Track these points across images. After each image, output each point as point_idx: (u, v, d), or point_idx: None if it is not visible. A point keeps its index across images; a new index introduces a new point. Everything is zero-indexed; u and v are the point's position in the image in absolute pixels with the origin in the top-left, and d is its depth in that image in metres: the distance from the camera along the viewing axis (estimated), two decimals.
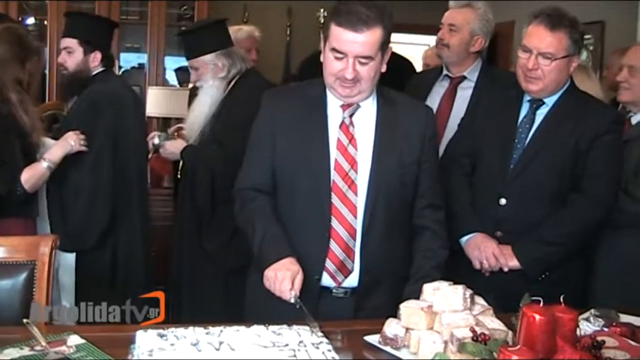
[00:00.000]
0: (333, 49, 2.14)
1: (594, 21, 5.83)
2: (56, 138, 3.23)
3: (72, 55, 3.41)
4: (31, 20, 6.41)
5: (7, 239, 2.25)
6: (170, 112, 4.07)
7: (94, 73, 3.47)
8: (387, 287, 2.23)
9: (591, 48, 6.04)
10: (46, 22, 6.19)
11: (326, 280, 2.24)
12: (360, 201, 2.22)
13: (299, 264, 2.13)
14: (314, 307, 2.19)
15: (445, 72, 3.38)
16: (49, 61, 5.98)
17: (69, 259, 3.38)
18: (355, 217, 2.22)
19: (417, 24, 7.10)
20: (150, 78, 6.40)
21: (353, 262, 2.24)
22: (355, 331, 2.03)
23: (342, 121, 2.25)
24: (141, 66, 6.66)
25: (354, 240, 2.23)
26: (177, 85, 6.58)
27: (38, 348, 1.82)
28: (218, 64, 3.37)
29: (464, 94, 3.27)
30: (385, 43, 2.17)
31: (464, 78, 3.32)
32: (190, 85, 3.56)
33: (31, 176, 2.99)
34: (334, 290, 2.26)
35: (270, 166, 2.28)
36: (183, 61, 6.87)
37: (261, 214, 2.26)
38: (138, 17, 6.52)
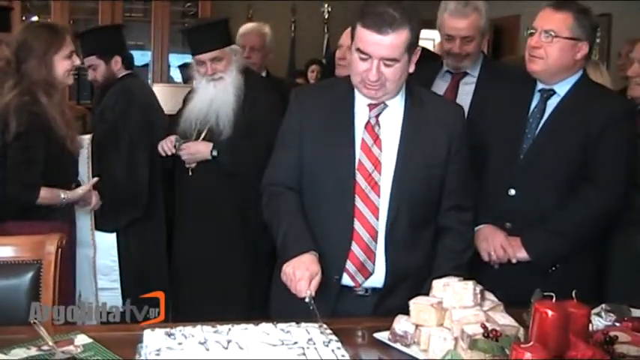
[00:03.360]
0: (359, 50, 2.12)
1: (601, 14, 5.80)
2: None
3: (97, 69, 3.70)
4: (34, 19, 6.41)
5: (12, 238, 2.24)
6: (175, 108, 4.05)
7: (120, 75, 3.73)
8: (409, 287, 2.19)
9: (598, 41, 6.01)
10: (49, 21, 6.18)
11: (345, 281, 2.22)
12: (383, 202, 2.19)
13: (320, 261, 2.11)
14: (333, 305, 2.19)
15: (446, 68, 3.31)
16: None
17: (108, 241, 3.62)
18: (377, 218, 2.19)
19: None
20: (154, 75, 6.39)
21: (373, 263, 2.21)
22: (367, 329, 2.00)
23: (368, 121, 2.23)
24: (145, 64, 6.66)
25: (375, 242, 2.20)
26: (182, 82, 6.57)
27: (45, 348, 1.81)
28: (239, 53, 3.48)
29: (466, 90, 3.21)
30: (412, 44, 2.13)
31: (466, 74, 3.27)
32: (197, 82, 3.55)
33: (47, 198, 2.98)
34: (355, 289, 2.23)
35: (297, 164, 2.27)
36: (187, 58, 6.90)
37: (287, 208, 2.25)
38: (142, 15, 6.51)
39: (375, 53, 2.09)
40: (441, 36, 3.28)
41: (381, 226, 2.20)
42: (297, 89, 2.43)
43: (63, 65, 3.02)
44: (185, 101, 3.60)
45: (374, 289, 2.24)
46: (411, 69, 2.20)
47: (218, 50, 3.38)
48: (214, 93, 3.40)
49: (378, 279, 2.23)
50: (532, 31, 2.55)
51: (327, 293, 2.16)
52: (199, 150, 3.42)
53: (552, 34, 2.49)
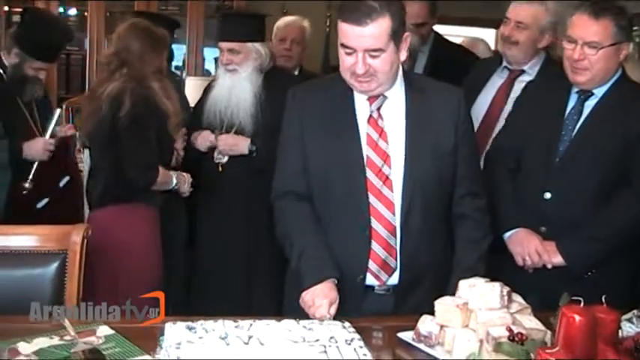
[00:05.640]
0: (343, 45, 2.09)
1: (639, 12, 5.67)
2: None
3: None
4: (73, 11, 6.48)
5: (38, 228, 2.24)
6: None
7: None
8: (429, 283, 2.17)
9: (637, 40, 5.88)
10: (86, 14, 6.24)
11: (369, 280, 2.18)
12: (397, 196, 2.15)
13: (337, 286, 2.09)
14: (357, 306, 2.15)
15: (505, 64, 3.27)
16: (89, 52, 6.06)
17: None
18: (393, 213, 2.15)
19: (475, 17, 7.01)
20: (189, 69, 6.43)
21: (395, 259, 2.17)
22: (390, 328, 1.99)
23: (370, 115, 2.18)
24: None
25: (395, 237, 2.16)
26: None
27: (67, 338, 1.82)
28: (262, 54, 3.39)
29: (521, 88, 3.12)
30: (396, 32, 2.07)
31: (523, 71, 3.21)
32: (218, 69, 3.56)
33: (162, 179, 3.10)
34: (376, 287, 2.19)
35: (303, 168, 2.22)
36: None
37: (299, 226, 2.20)
38: (177, 9, 6.54)
39: (358, 46, 2.05)
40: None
41: (397, 220, 2.16)
42: (294, 88, 2.34)
43: (164, 64, 3.24)
44: (206, 90, 3.56)
45: (394, 288, 2.20)
46: (403, 57, 2.15)
47: (236, 43, 3.35)
48: (230, 84, 3.38)
49: (395, 275, 2.19)
50: (571, 41, 2.47)
51: (352, 295, 2.13)
52: (238, 142, 3.38)
53: (595, 45, 2.43)
